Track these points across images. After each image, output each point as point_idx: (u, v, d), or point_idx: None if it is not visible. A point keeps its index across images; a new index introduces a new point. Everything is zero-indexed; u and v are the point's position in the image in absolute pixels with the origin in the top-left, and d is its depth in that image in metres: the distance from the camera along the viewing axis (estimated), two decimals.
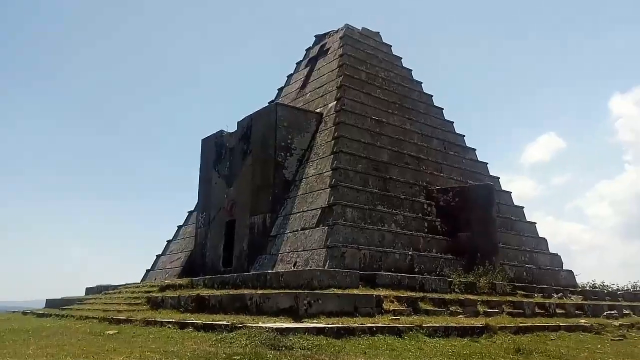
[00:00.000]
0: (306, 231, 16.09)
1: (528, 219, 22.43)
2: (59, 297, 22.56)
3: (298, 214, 17.12)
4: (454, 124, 24.84)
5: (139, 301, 15.68)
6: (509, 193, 23.02)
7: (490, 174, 23.41)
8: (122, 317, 13.14)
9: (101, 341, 9.50)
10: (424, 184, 19.57)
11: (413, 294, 12.42)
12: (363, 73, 23.06)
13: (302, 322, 9.22)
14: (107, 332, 10.90)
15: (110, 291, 20.53)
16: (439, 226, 18.01)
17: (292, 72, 27.55)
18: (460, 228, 17.56)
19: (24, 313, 21.07)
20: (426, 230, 17.58)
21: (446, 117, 24.92)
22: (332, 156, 17.93)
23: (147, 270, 23.88)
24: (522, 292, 15.68)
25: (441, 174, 20.86)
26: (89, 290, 22.80)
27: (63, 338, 10.33)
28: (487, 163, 23.85)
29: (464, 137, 24.45)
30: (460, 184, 20.05)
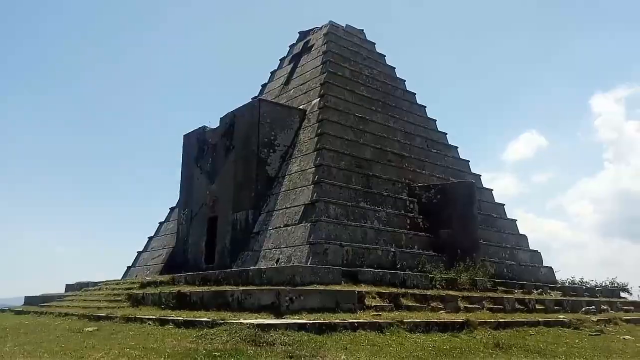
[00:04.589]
0: (289, 228, 16.08)
1: (509, 216, 22.72)
2: (38, 294, 22.21)
3: (281, 211, 17.09)
4: (436, 122, 25.03)
5: (120, 298, 15.51)
6: (490, 190, 23.26)
7: (472, 171, 23.64)
8: (102, 314, 13.01)
9: (80, 338, 9.39)
10: (407, 181, 19.67)
11: (395, 290, 12.48)
12: (347, 70, 23.07)
13: (284, 318, 9.21)
14: (87, 329, 10.76)
15: (90, 288, 20.28)
16: (421, 223, 18.12)
17: (275, 68, 27.46)
18: (441, 225, 17.69)
19: (2, 310, 20.73)
20: (408, 227, 17.68)
21: (429, 115, 25.10)
22: (315, 153, 17.92)
23: (128, 267, 23.65)
24: (503, 288, 15.83)
25: (423, 172, 20.99)
26: (68, 287, 22.47)
27: (41, 335, 10.20)
28: (468, 161, 24.07)
29: (446, 135, 24.67)
30: (442, 182, 20.20)
